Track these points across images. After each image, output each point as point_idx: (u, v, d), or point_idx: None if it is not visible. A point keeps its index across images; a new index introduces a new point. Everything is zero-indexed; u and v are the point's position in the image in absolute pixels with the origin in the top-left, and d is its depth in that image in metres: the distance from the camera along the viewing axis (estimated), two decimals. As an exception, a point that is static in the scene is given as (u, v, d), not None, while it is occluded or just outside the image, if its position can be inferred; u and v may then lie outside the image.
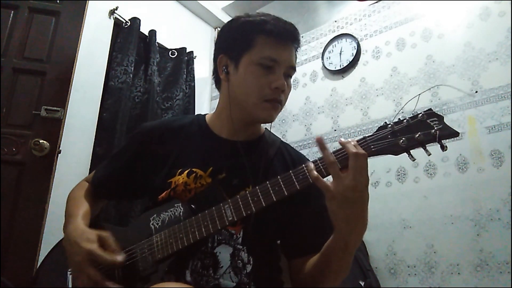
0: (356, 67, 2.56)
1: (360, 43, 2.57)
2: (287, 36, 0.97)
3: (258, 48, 0.95)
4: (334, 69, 2.64)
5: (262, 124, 1.10)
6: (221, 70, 1.02)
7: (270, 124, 1.04)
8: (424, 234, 2.01)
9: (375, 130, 0.78)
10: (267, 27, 0.95)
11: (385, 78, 2.40)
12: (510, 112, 1.90)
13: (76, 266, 0.86)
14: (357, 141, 0.77)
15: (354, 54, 2.56)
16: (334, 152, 0.77)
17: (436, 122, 0.74)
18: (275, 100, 0.96)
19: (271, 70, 0.95)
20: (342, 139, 0.77)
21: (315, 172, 0.76)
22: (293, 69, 0.99)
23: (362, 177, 0.73)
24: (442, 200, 2.00)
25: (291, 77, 1.01)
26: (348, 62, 2.57)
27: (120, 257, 0.86)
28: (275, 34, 0.95)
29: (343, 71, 2.60)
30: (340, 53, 2.64)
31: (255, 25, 0.97)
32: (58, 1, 2.12)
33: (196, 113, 1.41)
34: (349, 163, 0.73)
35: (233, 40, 1.00)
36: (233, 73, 0.99)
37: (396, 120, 0.78)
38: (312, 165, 0.78)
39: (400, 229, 2.09)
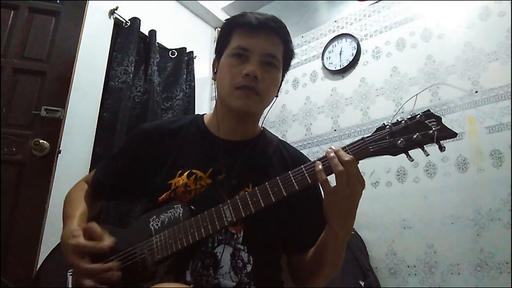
0: (356, 67, 2.56)
1: (360, 43, 2.57)
2: (259, 26, 0.96)
3: (233, 42, 0.98)
4: (334, 69, 2.64)
5: (260, 123, 1.11)
6: (213, 71, 1.06)
7: (263, 120, 1.05)
8: (424, 234, 2.01)
9: (374, 131, 0.79)
10: (240, 20, 0.98)
11: (385, 78, 2.40)
12: (510, 112, 1.90)
13: (72, 265, 0.88)
14: (356, 142, 0.78)
15: (354, 54, 2.56)
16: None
17: (434, 123, 0.75)
18: (246, 87, 0.95)
19: (244, 59, 0.96)
20: (330, 154, 0.78)
21: (324, 175, 0.78)
22: (270, 56, 0.98)
23: (359, 183, 0.78)
24: (442, 200, 2.00)
25: (274, 66, 0.99)
26: (348, 62, 2.57)
27: (106, 241, 0.88)
28: (247, 24, 0.97)
29: (343, 71, 2.60)
30: (340, 53, 2.64)
31: (233, 22, 1.00)
32: (58, 1, 2.12)
33: (196, 113, 1.42)
34: (338, 181, 0.77)
35: (217, 42, 1.04)
36: (218, 71, 1.03)
37: (394, 121, 0.78)
38: (321, 166, 0.79)
39: (400, 229, 2.09)
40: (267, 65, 0.97)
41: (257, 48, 0.96)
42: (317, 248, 0.92)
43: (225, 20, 1.06)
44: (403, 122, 0.77)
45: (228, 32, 1.01)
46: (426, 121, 0.75)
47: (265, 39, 0.97)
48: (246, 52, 0.96)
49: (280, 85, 1.06)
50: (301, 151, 1.15)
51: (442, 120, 0.75)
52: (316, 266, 0.93)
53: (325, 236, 0.88)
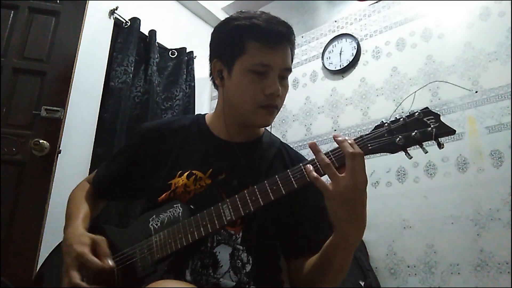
0: (356, 67, 2.56)
1: (360, 43, 2.57)
2: (278, 39, 0.94)
3: (250, 54, 0.92)
4: (334, 69, 2.64)
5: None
6: (215, 75, 1.01)
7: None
8: (424, 234, 2.01)
9: (372, 129, 0.78)
10: (257, 32, 0.92)
11: (385, 78, 2.40)
12: (510, 112, 1.90)
13: (64, 267, 0.88)
14: (354, 139, 0.77)
15: (354, 54, 2.56)
16: (331, 151, 0.78)
17: (433, 120, 0.74)
18: (270, 105, 0.94)
19: (265, 75, 0.93)
20: (339, 138, 0.76)
21: (315, 173, 0.76)
22: (288, 70, 0.97)
23: (361, 176, 0.73)
24: (442, 200, 2.00)
25: (287, 78, 0.99)
26: (348, 62, 2.57)
27: (108, 263, 0.86)
28: (266, 38, 0.92)
29: (343, 71, 2.60)
30: (340, 53, 2.64)
31: (245, 30, 0.94)
32: (58, 1, 2.12)
33: (196, 113, 1.42)
34: (346, 163, 0.74)
35: (225, 45, 0.98)
36: (227, 78, 0.98)
37: (393, 118, 0.78)
38: (311, 167, 0.77)
39: (400, 229, 2.09)
40: (282, 79, 0.97)
41: (278, 64, 0.93)
42: (323, 253, 0.87)
43: (231, 19, 0.99)
44: (401, 119, 0.76)
45: (239, 40, 0.94)
46: (425, 119, 0.75)
47: (283, 52, 0.95)
48: (267, 68, 0.93)
49: None
50: (301, 151, 1.15)
51: (441, 117, 0.74)
52: (321, 272, 0.89)
53: (334, 240, 0.82)
